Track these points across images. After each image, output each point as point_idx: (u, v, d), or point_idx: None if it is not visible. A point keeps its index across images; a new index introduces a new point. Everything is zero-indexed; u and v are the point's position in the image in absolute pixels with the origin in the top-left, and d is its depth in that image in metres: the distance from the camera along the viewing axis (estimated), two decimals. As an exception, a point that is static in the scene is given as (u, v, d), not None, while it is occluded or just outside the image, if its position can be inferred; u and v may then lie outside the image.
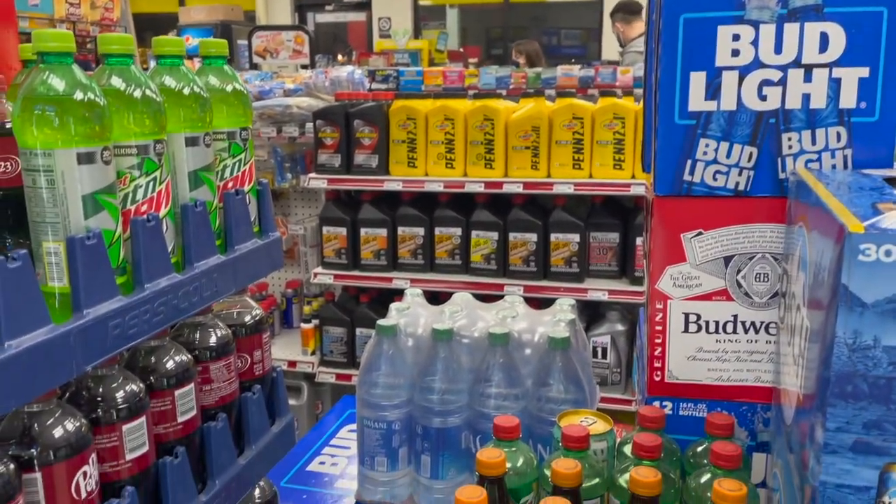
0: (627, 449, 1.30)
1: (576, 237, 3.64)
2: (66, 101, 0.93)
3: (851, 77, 1.21)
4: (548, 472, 1.17)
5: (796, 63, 1.22)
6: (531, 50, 7.62)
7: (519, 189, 3.61)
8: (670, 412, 1.36)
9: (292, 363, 4.24)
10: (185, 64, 1.19)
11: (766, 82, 1.23)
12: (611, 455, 1.34)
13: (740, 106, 1.24)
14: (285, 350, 4.37)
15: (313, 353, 4.27)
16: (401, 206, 3.90)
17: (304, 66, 5.93)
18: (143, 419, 1.07)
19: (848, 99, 1.22)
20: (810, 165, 1.25)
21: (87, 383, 1.05)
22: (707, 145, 1.26)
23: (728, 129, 1.25)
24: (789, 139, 1.25)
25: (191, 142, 1.16)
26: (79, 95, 0.93)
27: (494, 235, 3.73)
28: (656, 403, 1.36)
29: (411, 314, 1.71)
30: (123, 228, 1.03)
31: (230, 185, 1.27)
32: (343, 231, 3.95)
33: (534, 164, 3.59)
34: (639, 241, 3.61)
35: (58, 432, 0.94)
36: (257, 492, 1.49)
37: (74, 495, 0.95)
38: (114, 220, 0.99)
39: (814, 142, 1.24)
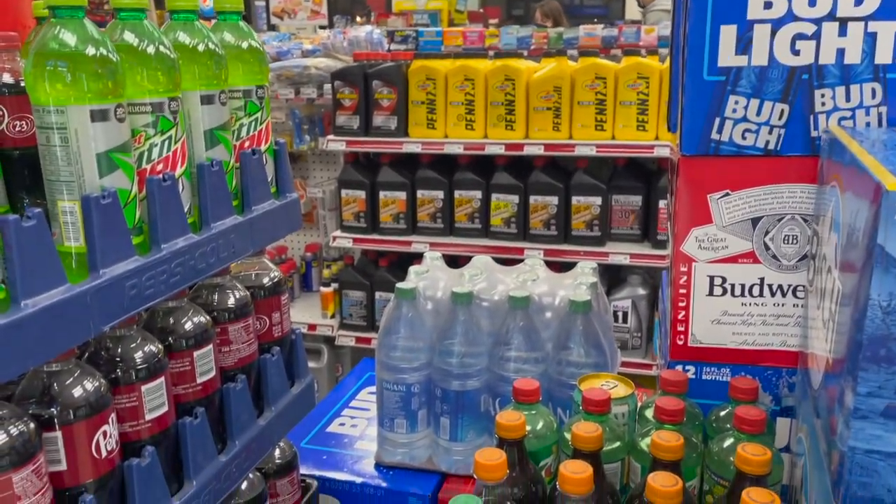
0: (649, 413, 1.28)
1: (597, 200, 3.60)
2: (78, 56, 0.91)
3: (888, 31, 1.16)
4: (568, 436, 1.16)
5: (831, 16, 1.17)
6: (555, 9, 7.48)
7: (540, 151, 3.56)
8: (693, 376, 1.34)
9: (312, 326, 4.27)
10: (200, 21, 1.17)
11: (800, 36, 1.18)
12: (632, 419, 1.33)
13: (772, 61, 1.19)
14: (305, 313, 4.39)
15: (333, 316, 4.29)
16: (420, 169, 3.87)
17: (322, 27, 5.87)
18: (161, 379, 1.07)
19: (884, 54, 1.17)
20: (844, 123, 1.20)
21: (106, 343, 1.05)
22: (737, 102, 1.22)
23: (759, 86, 1.21)
24: (822, 96, 1.20)
25: (206, 100, 1.14)
26: (91, 51, 0.91)
27: (515, 198, 3.70)
28: (679, 367, 1.34)
29: (430, 277, 1.69)
30: (139, 188, 1.02)
31: (246, 144, 1.25)
32: (362, 194, 3.93)
33: (555, 126, 3.53)
34: (661, 204, 3.56)
35: (77, 392, 0.94)
36: (277, 452, 1.50)
37: (95, 454, 0.95)
38: (129, 179, 0.98)
39: (848, 98, 1.20)
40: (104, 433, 0.96)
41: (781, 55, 1.19)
